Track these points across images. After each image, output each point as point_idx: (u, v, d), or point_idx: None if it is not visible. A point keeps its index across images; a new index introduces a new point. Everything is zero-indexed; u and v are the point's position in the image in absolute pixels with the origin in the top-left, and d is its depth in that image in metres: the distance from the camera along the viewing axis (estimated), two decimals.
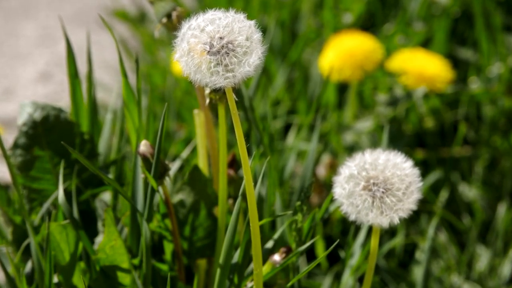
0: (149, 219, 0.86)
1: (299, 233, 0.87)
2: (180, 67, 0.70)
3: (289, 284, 0.85)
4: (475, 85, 1.51)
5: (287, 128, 1.51)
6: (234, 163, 0.95)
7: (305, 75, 1.56)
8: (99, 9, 1.98)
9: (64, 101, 1.71)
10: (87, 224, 0.97)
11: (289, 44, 1.66)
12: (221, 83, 0.68)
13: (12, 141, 0.96)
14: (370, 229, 1.00)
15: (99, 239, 0.91)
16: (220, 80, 0.68)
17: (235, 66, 0.68)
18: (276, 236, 0.91)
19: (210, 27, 0.69)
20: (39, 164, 0.96)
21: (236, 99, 0.71)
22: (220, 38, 0.68)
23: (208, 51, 0.68)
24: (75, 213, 0.90)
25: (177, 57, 0.70)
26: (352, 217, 0.79)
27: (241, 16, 0.70)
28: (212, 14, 0.70)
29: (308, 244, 0.85)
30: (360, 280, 1.06)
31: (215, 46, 0.68)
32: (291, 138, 1.40)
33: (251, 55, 0.69)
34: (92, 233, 0.96)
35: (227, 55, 0.68)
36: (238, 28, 0.69)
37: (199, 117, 0.92)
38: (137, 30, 1.95)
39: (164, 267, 0.93)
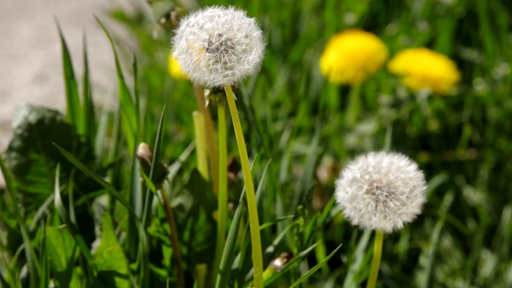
0: (148, 224, 0.86)
1: (301, 238, 0.86)
2: (178, 65, 0.69)
3: None
4: (480, 86, 1.50)
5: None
6: (234, 166, 0.94)
7: (306, 76, 1.55)
8: (96, 9, 1.97)
9: (60, 103, 1.70)
10: (84, 228, 0.97)
11: (290, 45, 1.65)
12: (220, 81, 0.67)
13: (7, 144, 0.94)
14: (373, 233, 0.99)
15: (97, 243, 0.91)
16: (219, 78, 0.67)
17: (234, 63, 0.67)
18: (277, 241, 0.90)
19: (209, 24, 0.68)
20: (35, 168, 0.95)
21: (236, 99, 0.69)
22: (219, 35, 0.68)
23: (207, 49, 0.68)
24: (72, 217, 0.90)
25: (176, 55, 0.69)
26: (354, 221, 0.79)
27: (240, 14, 0.69)
28: (211, 12, 0.69)
29: (309, 249, 0.85)
30: (363, 285, 1.06)
31: (214, 43, 0.68)
32: (285, 140, 1.38)
33: (251, 52, 0.68)
34: (89, 237, 0.96)
35: (226, 53, 0.67)
36: (238, 25, 0.68)
37: (199, 119, 0.92)
38: (135, 30, 1.94)
39: (162, 272, 0.92)
